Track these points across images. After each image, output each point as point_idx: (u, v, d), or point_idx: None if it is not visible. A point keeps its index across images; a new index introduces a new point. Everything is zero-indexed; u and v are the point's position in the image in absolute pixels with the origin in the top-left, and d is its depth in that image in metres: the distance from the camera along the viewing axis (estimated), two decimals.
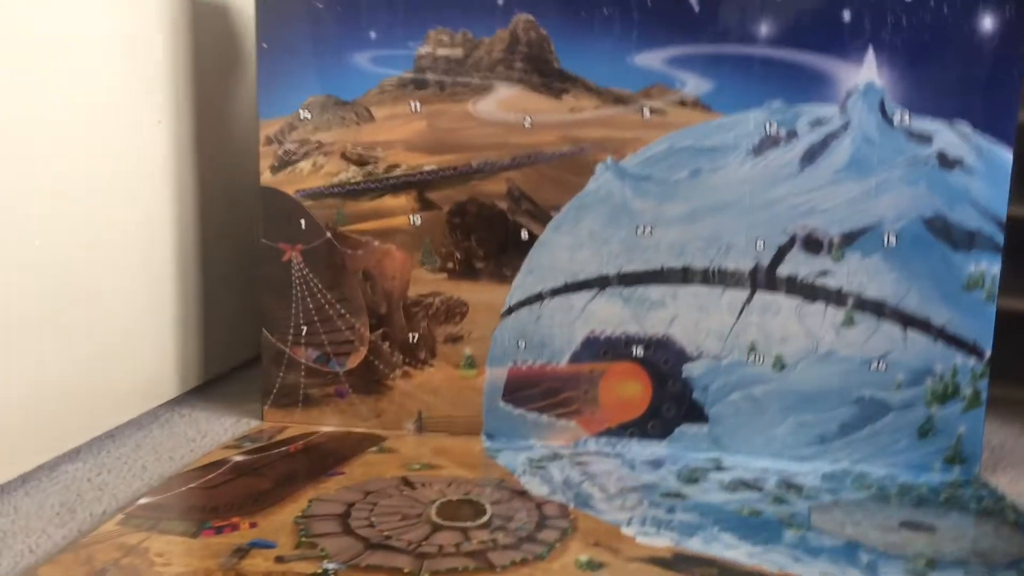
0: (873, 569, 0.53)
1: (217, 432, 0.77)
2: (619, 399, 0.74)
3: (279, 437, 0.75)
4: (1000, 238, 0.69)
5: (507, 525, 0.58)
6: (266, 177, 0.76)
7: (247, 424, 0.79)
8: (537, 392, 0.75)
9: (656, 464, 0.70)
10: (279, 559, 0.52)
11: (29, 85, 0.62)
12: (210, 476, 0.66)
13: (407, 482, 0.65)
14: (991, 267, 0.69)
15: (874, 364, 0.70)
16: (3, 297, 0.60)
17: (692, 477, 0.68)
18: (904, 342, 0.70)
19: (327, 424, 0.78)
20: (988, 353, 0.70)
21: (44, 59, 0.63)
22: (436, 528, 0.57)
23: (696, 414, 0.73)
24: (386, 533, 0.56)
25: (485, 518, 0.59)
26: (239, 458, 0.69)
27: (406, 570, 0.51)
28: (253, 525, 0.57)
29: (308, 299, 0.77)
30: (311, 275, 0.77)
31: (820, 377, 0.71)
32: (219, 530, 0.56)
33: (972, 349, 0.70)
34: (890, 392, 0.70)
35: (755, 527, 0.59)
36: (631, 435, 0.74)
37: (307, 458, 0.71)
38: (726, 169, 0.71)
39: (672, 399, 0.74)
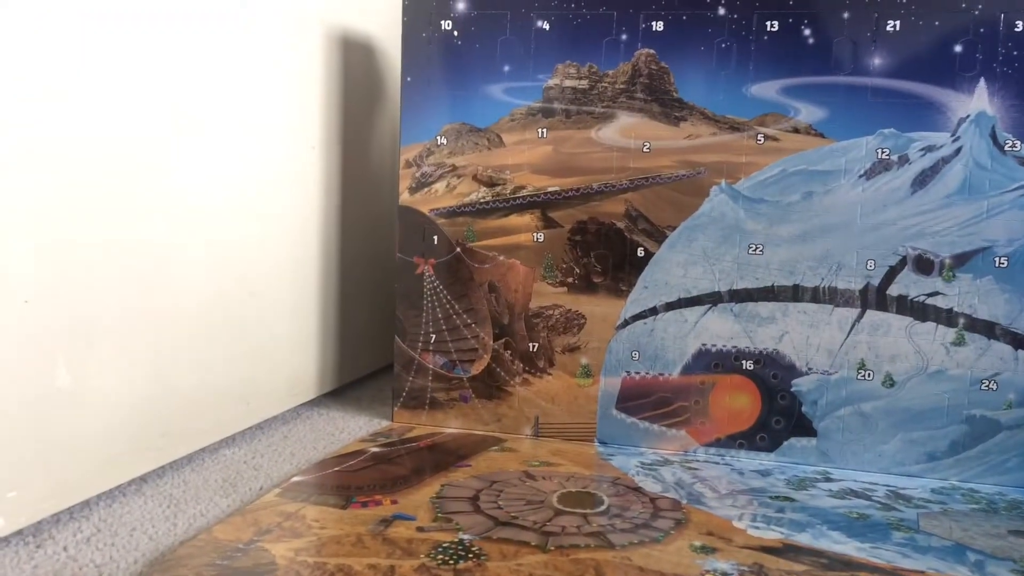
0: (981, 567, 0.55)
1: (353, 428, 0.84)
2: (729, 411, 0.78)
3: (408, 435, 0.82)
4: None
5: (624, 514, 0.62)
6: (404, 197, 0.84)
7: (379, 423, 0.86)
8: (649, 402, 0.79)
9: (765, 473, 0.74)
10: (420, 529, 0.58)
11: (212, 114, 0.71)
12: (351, 463, 0.72)
13: (529, 475, 0.71)
14: None
15: (984, 383, 0.72)
16: (180, 303, 0.69)
17: (801, 485, 0.71)
18: (1015, 362, 0.71)
19: (451, 426, 0.84)
20: None
21: (222, 91, 0.73)
22: (558, 512, 0.62)
23: (804, 428, 0.76)
24: (513, 514, 0.62)
25: (603, 507, 0.64)
26: (375, 449, 0.76)
27: (533, 543, 0.57)
28: (394, 502, 0.63)
29: (438, 309, 0.84)
30: (441, 287, 0.84)
31: (930, 395, 0.73)
32: (364, 504, 0.63)
33: None
34: (1000, 411, 0.72)
35: (863, 528, 0.61)
36: (740, 446, 0.78)
37: (435, 453, 0.77)
38: (838, 192, 0.75)
39: (781, 412, 0.77)
